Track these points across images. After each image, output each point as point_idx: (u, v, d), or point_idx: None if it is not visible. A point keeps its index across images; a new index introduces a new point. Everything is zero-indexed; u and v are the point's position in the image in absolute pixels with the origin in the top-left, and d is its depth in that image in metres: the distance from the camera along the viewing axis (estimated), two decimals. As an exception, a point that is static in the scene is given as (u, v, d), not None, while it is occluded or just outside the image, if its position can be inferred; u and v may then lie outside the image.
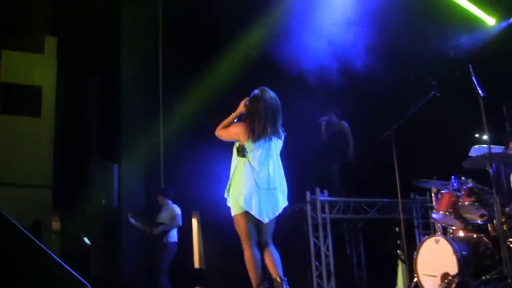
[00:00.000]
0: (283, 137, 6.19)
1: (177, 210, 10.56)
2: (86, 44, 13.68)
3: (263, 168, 5.95)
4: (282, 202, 6.11)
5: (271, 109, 6.02)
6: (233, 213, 6.01)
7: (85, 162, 12.24)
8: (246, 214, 5.91)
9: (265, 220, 5.95)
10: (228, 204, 6.12)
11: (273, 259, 5.95)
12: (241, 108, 6.17)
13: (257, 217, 5.90)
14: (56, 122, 14.36)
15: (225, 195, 6.12)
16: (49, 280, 4.51)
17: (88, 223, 12.45)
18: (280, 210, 6.10)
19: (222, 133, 6.20)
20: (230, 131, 6.15)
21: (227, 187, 6.07)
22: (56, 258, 4.62)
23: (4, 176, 12.65)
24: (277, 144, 6.12)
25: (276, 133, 6.07)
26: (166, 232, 10.35)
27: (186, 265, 11.95)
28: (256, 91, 6.13)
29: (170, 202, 10.72)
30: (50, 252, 4.63)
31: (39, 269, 4.48)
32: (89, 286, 4.62)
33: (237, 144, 6.06)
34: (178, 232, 10.60)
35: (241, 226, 5.96)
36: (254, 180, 5.88)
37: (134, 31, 13.27)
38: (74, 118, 13.89)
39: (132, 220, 10.76)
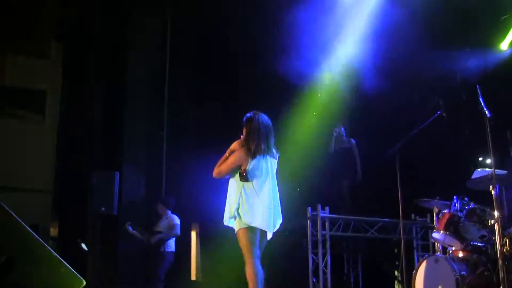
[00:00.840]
0: (277, 157, 6.54)
1: (176, 220, 10.53)
2: (93, 50, 13.69)
3: (262, 188, 6.22)
4: (279, 219, 6.41)
5: (264, 127, 6.36)
6: (237, 228, 6.19)
7: (87, 168, 12.18)
8: (251, 229, 6.11)
9: (270, 231, 6.26)
10: (230, 224, 6.32)
11: None
12: (234, 146, 6.41)
13: (264, 228, 6.17)
14: (59, 128, 14.35)
15: (229, 219, 6.29)
16: (48, 273, 4.51)
17: (86, 230, 12.39)
18: (278, 227, 6.40)
19: (222, 168, 6.34)
20: (229, 161, 6.32)
21: (233, 211, 6.21)
22: (54, 253, 4.62)
23: (4, 179, 12.61)
24: (272, 164, 6.43)
25: (270, 152, 6.40)
26: (163, 241, 10.33)
27: (183, 277, 11.91)
28: (248, 114, 6.46)
29: (169, 212, 10.70)
30: (48, 247, 4.64)
31: (38, 263, 4.48)
32: (85, 282, 4.64)
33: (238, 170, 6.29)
34: (176, 243, 10.58)
35: (245, 240, 6.12)
36: (256, 200, 6.15)
37: (142, 39, 13.32)
38: (78, 124, 13.87)
39: (130, 229, 10.71)
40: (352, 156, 11.15)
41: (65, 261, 4.66)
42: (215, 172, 6.36)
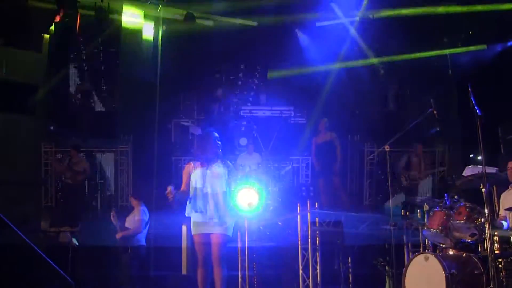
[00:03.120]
0: None
1: (143, 215, 10.36)
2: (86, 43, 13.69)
3: None
4: None
5: None
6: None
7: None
8: None
9: None
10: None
11: None
12: None
13: None
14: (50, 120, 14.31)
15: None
16: (35, 276, 4.48)
17: (77, 224, 12.35)
18: None
19: None
20: None
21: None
22: (44, 255, 4.59)
23: (-5, 173, 12.56)
24: None
25: None
26: (129, 238, 10.16)
27: (174, 271, 11.90)
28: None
29: (141, 205, 10.52)
30: (37, 249, 4.60)
31: (25, 265, 4.45)
32: (74, 283, 4.62)
33: None
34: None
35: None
36: None
37: (134, 39, 13.28)
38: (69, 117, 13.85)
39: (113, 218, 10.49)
40: (333, 150, 11.14)
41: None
42: None
